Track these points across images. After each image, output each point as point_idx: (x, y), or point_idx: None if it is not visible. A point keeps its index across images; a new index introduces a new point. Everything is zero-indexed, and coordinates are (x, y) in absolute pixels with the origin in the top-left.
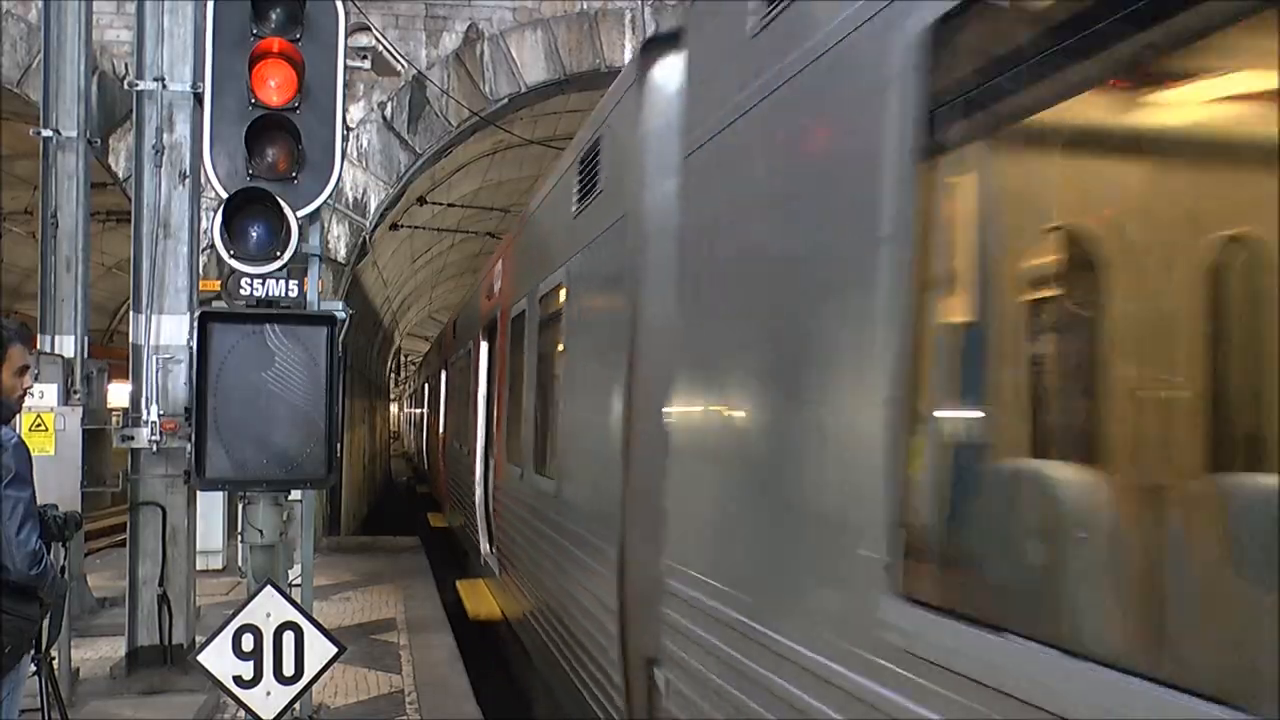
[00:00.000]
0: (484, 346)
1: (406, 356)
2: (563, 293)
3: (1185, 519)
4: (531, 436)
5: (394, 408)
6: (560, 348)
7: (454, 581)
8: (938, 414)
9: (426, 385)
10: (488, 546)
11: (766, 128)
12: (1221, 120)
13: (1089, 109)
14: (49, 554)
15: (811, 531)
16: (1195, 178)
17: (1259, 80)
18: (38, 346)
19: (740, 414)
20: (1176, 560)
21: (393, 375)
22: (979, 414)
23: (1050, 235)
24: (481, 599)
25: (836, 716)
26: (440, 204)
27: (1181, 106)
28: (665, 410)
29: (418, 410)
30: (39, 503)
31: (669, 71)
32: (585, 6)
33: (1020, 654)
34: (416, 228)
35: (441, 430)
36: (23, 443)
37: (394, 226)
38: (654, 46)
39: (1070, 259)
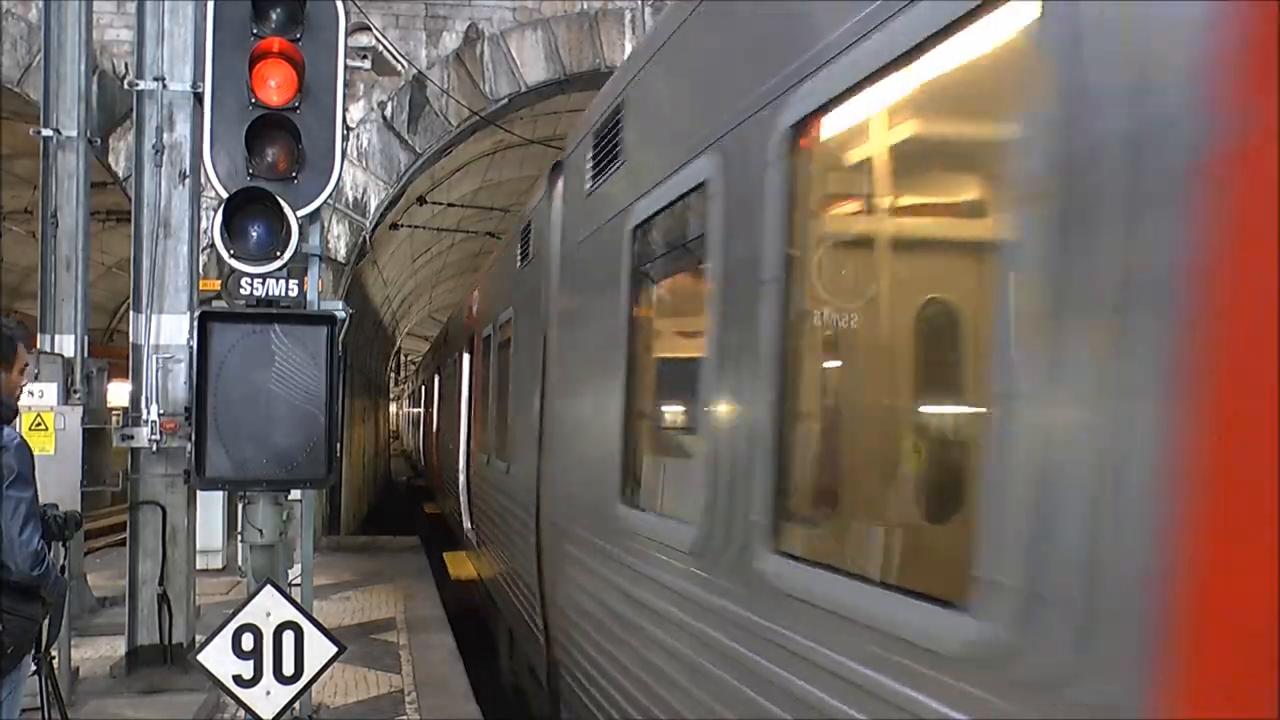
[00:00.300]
0: (465, 358)
1: (406, 356)
2: (510, 324)
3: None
4: (492, 430)
5: (394, 407)
6: (509, 363)
7: (441, 553)
8: (640, 411)
9: (423, 387)
10: (468, 523)
11: (589, 251)
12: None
13: (692, 277)
14: (49, 553)
15: (600, 479)
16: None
17: None
18: (38, 346)
19: (574, 410)
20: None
21: (392, 375)
22: (660, 411)
23: (678, 328)
24: (462, 565)
25: (600, 562)
26: (440, 204)
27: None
28: (553, 408)
29: (416, 410)
30: (43, 501)
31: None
32: (585, 6)
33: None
34: (416, 227)
35: (434, 428)
36: (25, 443)
37: (394, 226)
38: (557, 168)
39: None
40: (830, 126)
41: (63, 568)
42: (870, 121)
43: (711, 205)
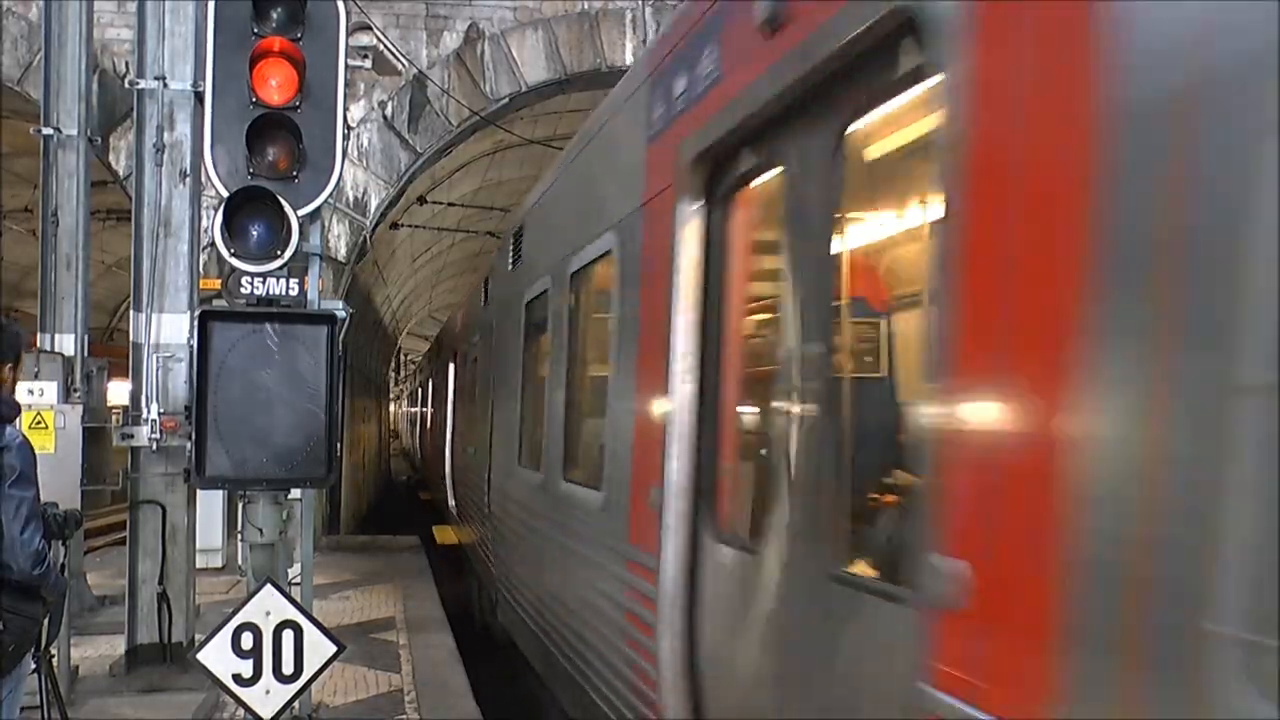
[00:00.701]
0: (450, 368)
1: (406, 356)
2: (476, 346)
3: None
4: (465, 426)
5: (393, 407)
6: (475, 376)
7: (431, 526)
8: (525, 410)
9: (419, 390)
10: (452, 502)
11: (509, 308)
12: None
13: (545, 339)
14: (50, 553)
15: (510, 451)
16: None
17: None
18: (38, 344)
19: (502, 410)
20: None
21: (393, 374)
22: (531, 410)
23: (541, 365)
24: (446, 534)
25: (510, 502)
26: (440, 203)
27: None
28: (493, 410)
29: (413, 410)
30: (44, 499)
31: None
32: (586, 6)
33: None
34: (417, 227)
35: (427, 426)
36: (27, 442)
37: (394, 226)
38: (506, 240)
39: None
40: (582, 280)
41: (63, 566)
42: (595, 280)
43: (550, 303)
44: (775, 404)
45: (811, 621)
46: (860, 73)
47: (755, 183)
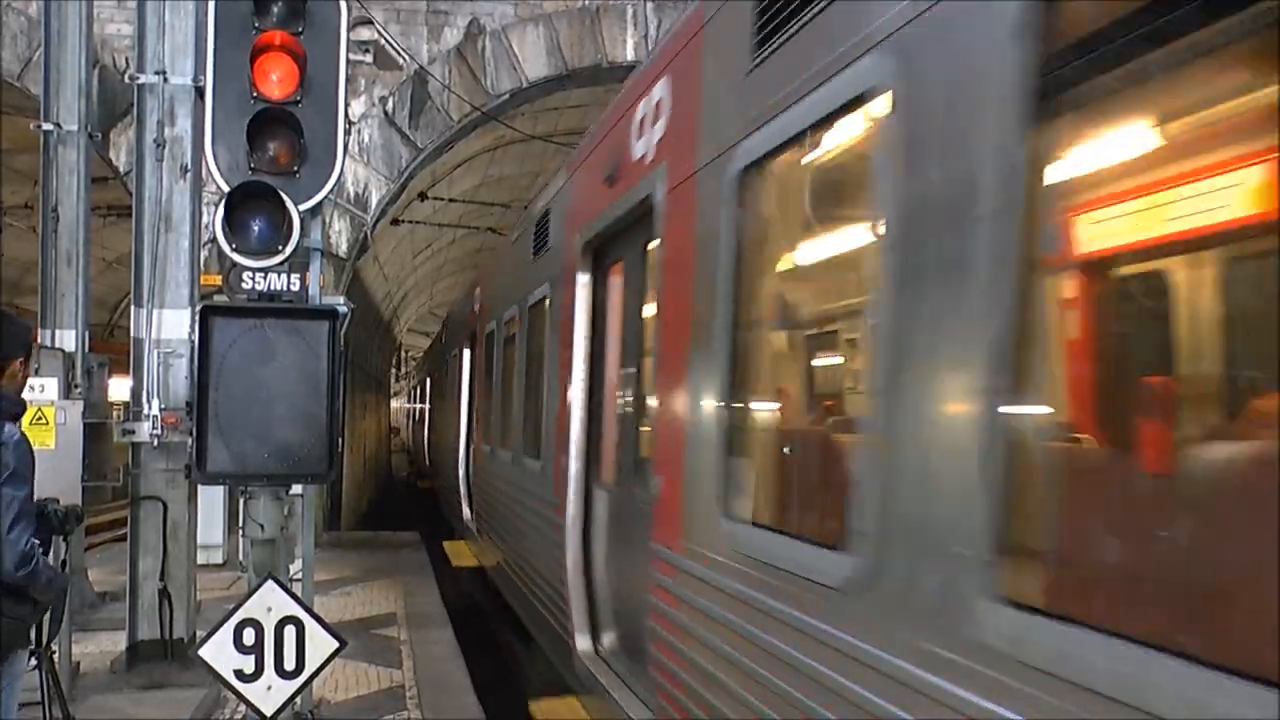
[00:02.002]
0: (439, 373)
1: (407, 352)
2: (457, 355)
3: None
4: (451, 419)
5: (394, 403)
6: (456, 381)
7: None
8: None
9: (417, 388)
10: (426, 464)
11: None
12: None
13: (494, 363)
14: (47, 550)
15: (474, 433)
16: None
17: None
18: (39, 341)
19: (473, 406)
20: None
21: (393, 371)
22: (486, 408)
23: (507, 381)
24: (426, 486)
25: (481, 468)
26: (441, 199)
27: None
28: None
29: (412, 406)
30: (40, 497)
31: None
32: (586, 2)
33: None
34: (417, 223)
35: (425, 421)
36: (25, 439)
37: (395, 222)
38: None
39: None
40: (508, 330)
41: (64, 563)
42: (518, 330)
43: (511, 333)
44: (622, 401)
45: (620, 518)
46: (643, 218)
47: (613, 264)
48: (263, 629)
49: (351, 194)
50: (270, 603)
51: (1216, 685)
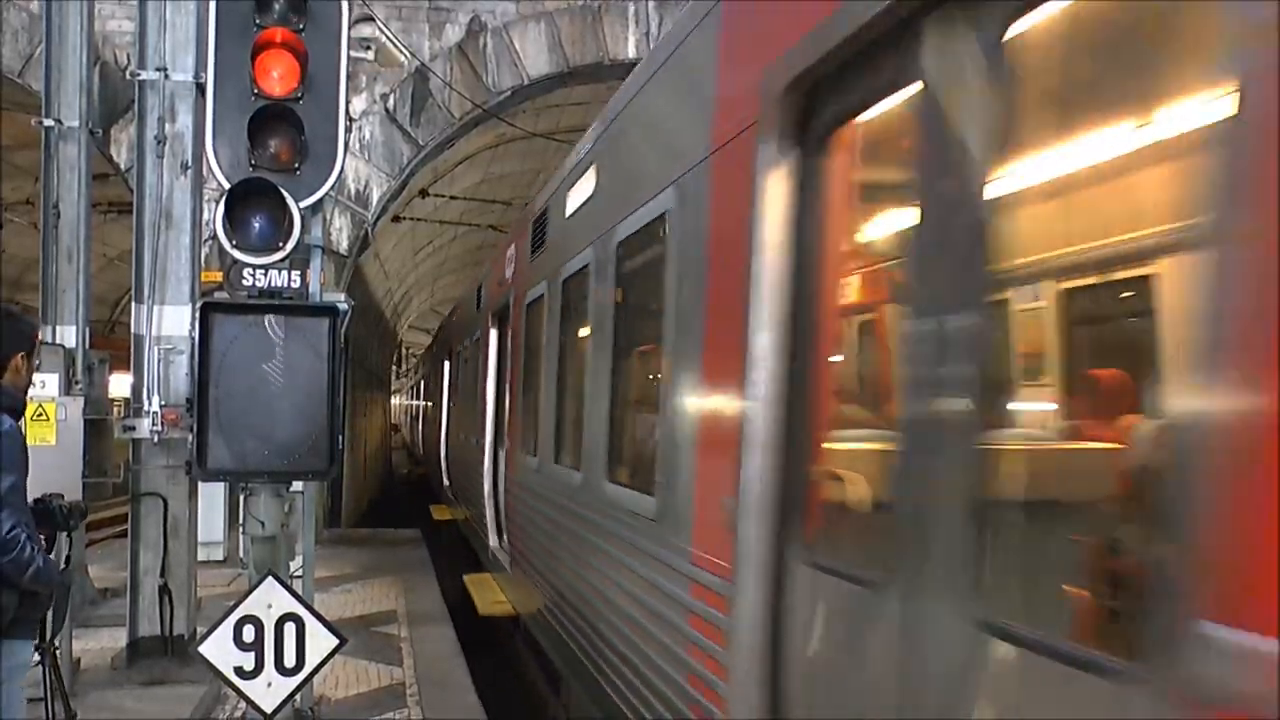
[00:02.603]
0: (435, 371)
1: (408, 349)
2: (438, 357)
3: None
4: (442, 412)
5: (395, 400)
6: (448, 378)
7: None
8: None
9: (416, 385)
10: (421, 451)
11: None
12: None
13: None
14: (51, 546)
15: (443, 424)
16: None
17: None
18: (39, 337)
19: (450, 402)
20: None
21: (394, 368)
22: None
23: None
24: (416, 472)
25: (453, 450)
26: (443, 196)
27: None
28: (448, 400)
29: (411, 403)
30: (45, 492)
31: None
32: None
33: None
34: (419, 220)
35: (422, 415)
36: (17, 432)
37: (396, 219)
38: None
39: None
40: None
41: (67, 558)
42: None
43: (474, 352)
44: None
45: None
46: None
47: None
48: (263, 626)
49: (353, 191)
50: (270, 600)
51: None
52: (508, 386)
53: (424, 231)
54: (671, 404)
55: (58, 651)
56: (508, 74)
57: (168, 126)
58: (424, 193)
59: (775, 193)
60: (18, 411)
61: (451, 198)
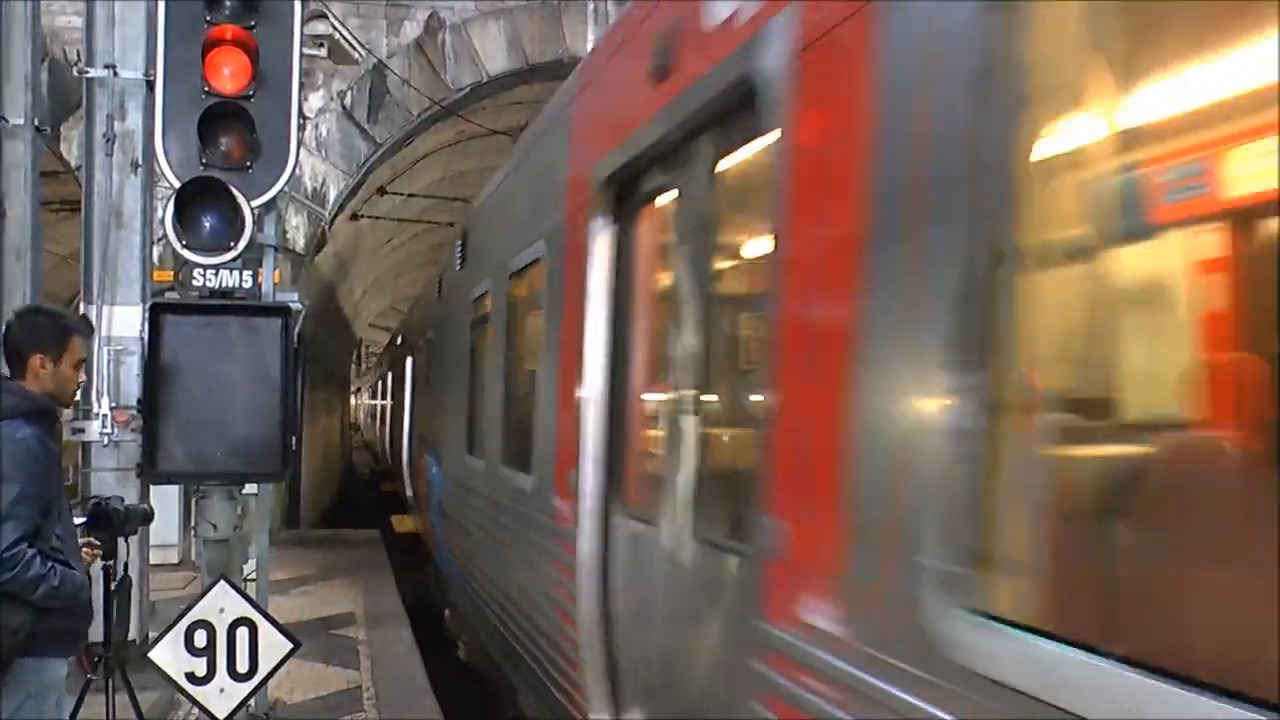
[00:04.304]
0: (388, 374)
1: (368, 348)
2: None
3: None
4: (397, 412)
5: (354, 399)
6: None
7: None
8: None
9: (374, 385)
10: (386, 449)
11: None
12: None
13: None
14: (111, 552)
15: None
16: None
17: None
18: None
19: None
20: None
21: (354, 366)
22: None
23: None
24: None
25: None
26: (401, 194)
27: None
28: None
29: (372, 402)
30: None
31: None
32: None
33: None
34: (378, 218)
35: (384, 415)
36: (31, 438)
37: (355, 217)
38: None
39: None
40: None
41: (125, 565)
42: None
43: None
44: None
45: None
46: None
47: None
48: (215, 630)
49: (309, 189)
50: (223, 604)
51: None
52: (431, 390)
53: (384, 230)
54: (541, 404)
55: (115, 664)
56: (467, 71)
57: (117, 124)
58: (382, 190)
59: (601, 250)
60: (38, 416)
61: (411, 195)
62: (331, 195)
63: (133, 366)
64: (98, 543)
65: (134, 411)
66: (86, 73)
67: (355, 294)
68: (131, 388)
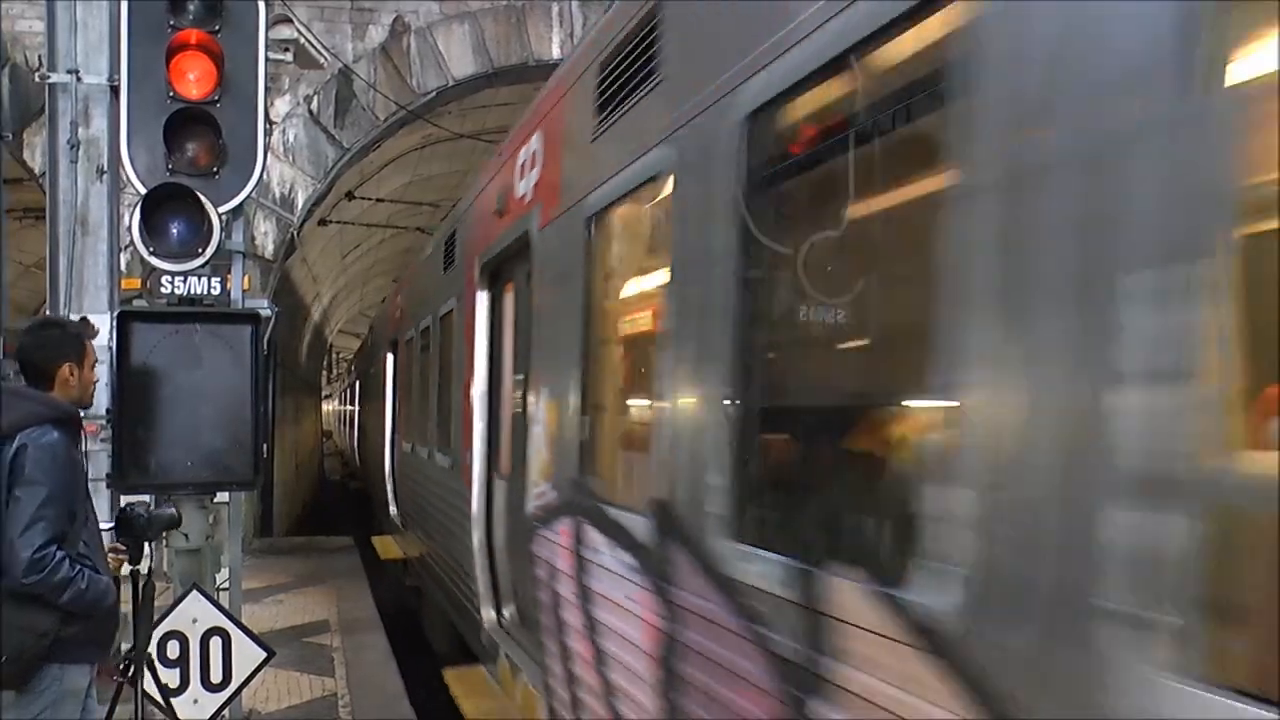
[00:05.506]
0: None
1: (339, 354)
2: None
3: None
4: (372, 419)
5: (325, 405)
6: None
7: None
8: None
9: (344, 392)
10: (351, 446)
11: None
12: None
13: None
14: (137, 557)
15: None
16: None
17: None
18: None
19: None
20: None
21: (325, 373)
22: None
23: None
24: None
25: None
26: (369, 199)
27: None
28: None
29: (343, 409)
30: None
31: None
32: (512, 0)
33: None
34: (346, 223)
35: (356, 422)
36: (57, 444)
37: (323, 222)
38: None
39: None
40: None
41: (150, 570)
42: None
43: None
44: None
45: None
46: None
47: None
48: (188, 641)
49: (277, 194)
50: (195, 614)
51: None
52: (399, 397)
53: (352, 234)
54: (453, 407)
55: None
56: (432, 75)
57: (81, 130)
58: (350, 195)
59: (482, 309)
60: (63, 424)
61: (379, 200)
62: (300, 200)
63: (101, 376)
64: (123, 548)
65: (103, 421)
66: (49, 78)
67: (325, 300)
68: (100, 397)
